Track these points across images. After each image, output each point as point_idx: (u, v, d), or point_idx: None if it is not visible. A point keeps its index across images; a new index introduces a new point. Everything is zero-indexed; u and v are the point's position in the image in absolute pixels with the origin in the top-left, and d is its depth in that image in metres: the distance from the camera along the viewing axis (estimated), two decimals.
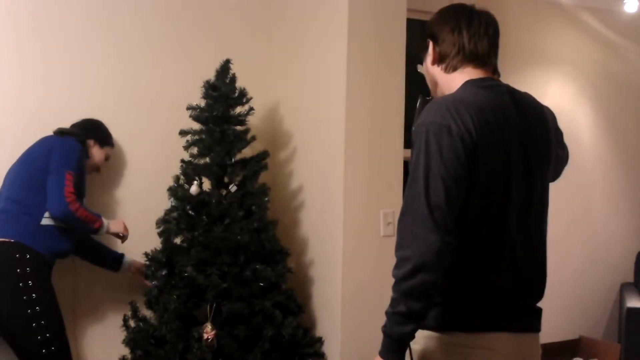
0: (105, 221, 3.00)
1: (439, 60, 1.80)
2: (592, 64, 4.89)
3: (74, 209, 2.81)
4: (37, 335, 2.70)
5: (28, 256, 2.76)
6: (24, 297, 2.70)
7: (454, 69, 1.77)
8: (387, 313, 1.63)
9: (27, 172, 2.90)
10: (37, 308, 2.71)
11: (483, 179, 1.61)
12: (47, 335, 2.72)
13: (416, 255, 1.55)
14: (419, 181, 1.58)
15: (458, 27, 1.76)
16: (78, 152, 2.98)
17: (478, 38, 1.76)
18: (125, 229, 3.10)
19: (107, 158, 3.24)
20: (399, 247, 1.59)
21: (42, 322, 2.71)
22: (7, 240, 2.77)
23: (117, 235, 3.10)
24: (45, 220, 2.84)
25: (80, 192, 2.95)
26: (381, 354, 1.65)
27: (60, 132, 3.03)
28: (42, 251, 2.81)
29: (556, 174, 1.96)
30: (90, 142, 3.15)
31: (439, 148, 1.58)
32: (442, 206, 1.55)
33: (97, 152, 3.18)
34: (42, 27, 3.17)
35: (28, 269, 2.74)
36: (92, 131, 3.17)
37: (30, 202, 2.83)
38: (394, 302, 1.60)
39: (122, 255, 3.25)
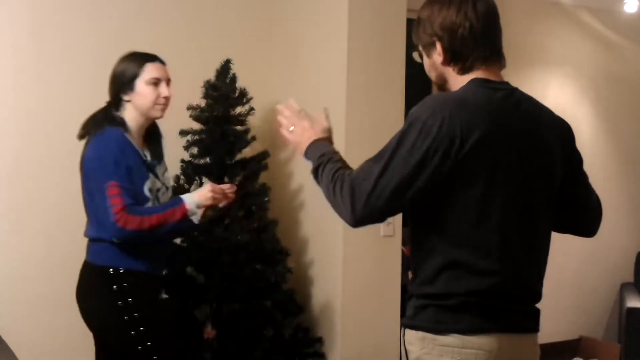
0: (190, 201, 2.46)
1: (450, 60, 1.70)
2: (592, 64, 4.89)
3: (123, 225, 2.34)
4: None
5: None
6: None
7: (468, 70, 1.70)
8: (333, 172, 1.72)
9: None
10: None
11: (469, 179, 1.60)
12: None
13: (351, 208, 1.64)
14: (376, 169, 1.60)
15: (469, 22, 1.67)
16: (112, 145, 2.44)
17: (490, 31, 1.70)
18: (218, 191, 2.52)
19: (157, 82, 2.53)
20: (355, 176, 1.64)
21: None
22: None
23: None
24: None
25: (134, 189, 2.44)
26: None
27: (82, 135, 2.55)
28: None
29: (588, 226, 1.93)
30: (121, 99, 2.53)
31: (411, 145, 1.57)
32: (377, 203, 1.59)
33: (139, 97, 2.51)
34: (42, 27, 3.17)
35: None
36: (112, 86, 2.55)
37: None
38: (338, 180, 1.69)
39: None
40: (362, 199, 1.60)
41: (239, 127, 3.16)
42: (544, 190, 1.74)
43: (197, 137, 3.11)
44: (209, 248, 2.96)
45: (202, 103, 3.14)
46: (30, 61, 3.14)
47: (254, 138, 3.22)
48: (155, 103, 2.52)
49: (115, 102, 2.54)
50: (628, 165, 5.08)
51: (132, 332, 2.40)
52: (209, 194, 2.49)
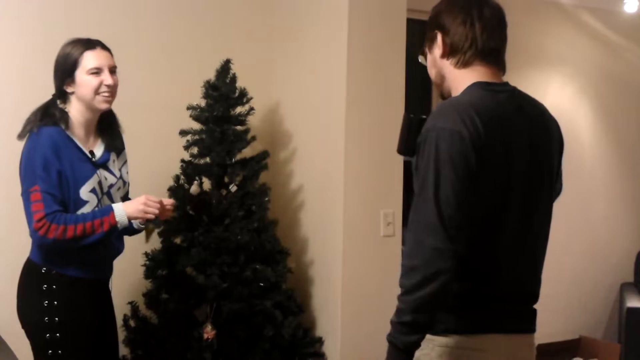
0: (119, 213, 2.37)
1: (449, 53, 1.72)
2: (592, 64, 4.88)
3: (43, 234, 2.28)
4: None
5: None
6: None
7: (466, 64, 1.70)
8: (392, 322, 1.60)
9: None
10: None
11: (484, 184, 1.60)
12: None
13: (425, 265, 1.52)
14: (429, 189, 1.55)
15: (470, 19, 1.69)
16: (44, 144, 2.34)
17: (491, 31, 1.70)
18: (152, 204, 2.41)
19: (98, 71, 2.39)
20: (407, 255, 1.56)
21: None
22: None
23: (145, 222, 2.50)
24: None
25: (67, 194, 2.36)
26: None
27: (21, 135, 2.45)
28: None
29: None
30: (64, 91, 2.44)
31: (449, 155, 1.54)
32: (452, 215, 1.53)
33: (81, 88, 2.40)
34: (43, 26, 3.17)
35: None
36: (55, 77, 2.44)
37: None
38: (399, 311, 1.57)
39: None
40: (436, 230, 1.53)
41: (239, 127, 3.16)
42: (546, 191, 1.74)
43: (197, 137, 3.11)
44: (209, 248, 2.96)
45: (202, 103, 3.14)
46: (36, 60, 3.14)
47: (254, 138, 3.22)
48: (96, 93, 2.39)
49: (60, 94, 2.44)
50: (628, 165, 5.07)
51: (47, 335, 2.38)
52: (140, 206, 2.39)
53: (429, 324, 1.59)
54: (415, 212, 1.58)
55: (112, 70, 2.45)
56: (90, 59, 2.40)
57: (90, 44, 2.44)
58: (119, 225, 2.37)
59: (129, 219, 2.40)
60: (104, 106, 2.44)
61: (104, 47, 2.47)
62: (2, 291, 3.06)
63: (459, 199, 1.54)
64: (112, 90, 2.43)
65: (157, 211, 2.43)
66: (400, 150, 1.91)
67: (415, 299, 1.53)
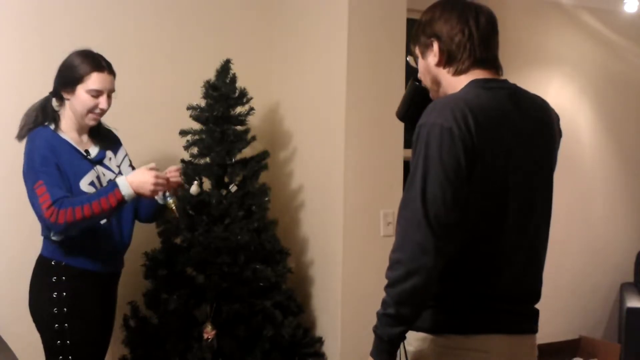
0: (123, 185, 2.38)
1: (445, 62, 1.72)
2: (592, 64, 4.89)
3: (53, 220, 2.33)
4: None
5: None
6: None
7: (463, 72, 1.70)
8: (377, 314, 1.63)
9: None
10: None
11: (480, 182, 1.59)
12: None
13: (408, 259, 1.54)
14: (417, 184, 1.55)
15: (468, 28, 1.69)
16: (40, 144, 2.44)
17: (487, 39, 1.71)
18: (162, 181, 2.43)
19: (98, 94, 2.48)
20: (394, 249, 1.59)
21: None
22: None
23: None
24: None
25: (68, 181, 2.44)
26: (372, 354, 1.67)
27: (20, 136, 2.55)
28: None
29: None
30: (61, 94, 2.52)
31: (439, 152, 1.54)
32: (439, 213, 1.54)
33: (77, 101, 2.49)
34: (42, 26, 3.17)
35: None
36: (56, 78, 2.53)
37: None
38: (384, 304, 1.60)
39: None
40: (420, 225, 1.54)
41: (239, 127, 3.16)
42: (545, 188, 1.74)
43: (197, 137, 3.11)
44: (209, 248, 2.96)
45: (202, 103, 3.14)
46: (36, 60, 3.14)
47: (254, 138, 3.22)
48: (89, 112, 2.50)
49: (56, 94, 2.55)
50: (628, 165, 5.08)
51: (56, 326, 2.45)
52: (150, 187, 2.39)
53: (413, 317, 1.60)
54: (404, 207, 1.59)
55: (110, 94, 2.54)
56: (95, 81, 2.48)
57: (100, 65, 2.50)
58: (126, 199, 2.39)
59: (137, 193, 2.40)
60: (92, 123, 2.57)
61: (111, 71, 2.55)
62: (2, 292, 3.07)
63: (447, 197, 1.54)
64: (104, 112, 2.55)
65: (163, 188, 2.46)
66: (400, 115, 1.89)
67: (399, 292, 1.56)
